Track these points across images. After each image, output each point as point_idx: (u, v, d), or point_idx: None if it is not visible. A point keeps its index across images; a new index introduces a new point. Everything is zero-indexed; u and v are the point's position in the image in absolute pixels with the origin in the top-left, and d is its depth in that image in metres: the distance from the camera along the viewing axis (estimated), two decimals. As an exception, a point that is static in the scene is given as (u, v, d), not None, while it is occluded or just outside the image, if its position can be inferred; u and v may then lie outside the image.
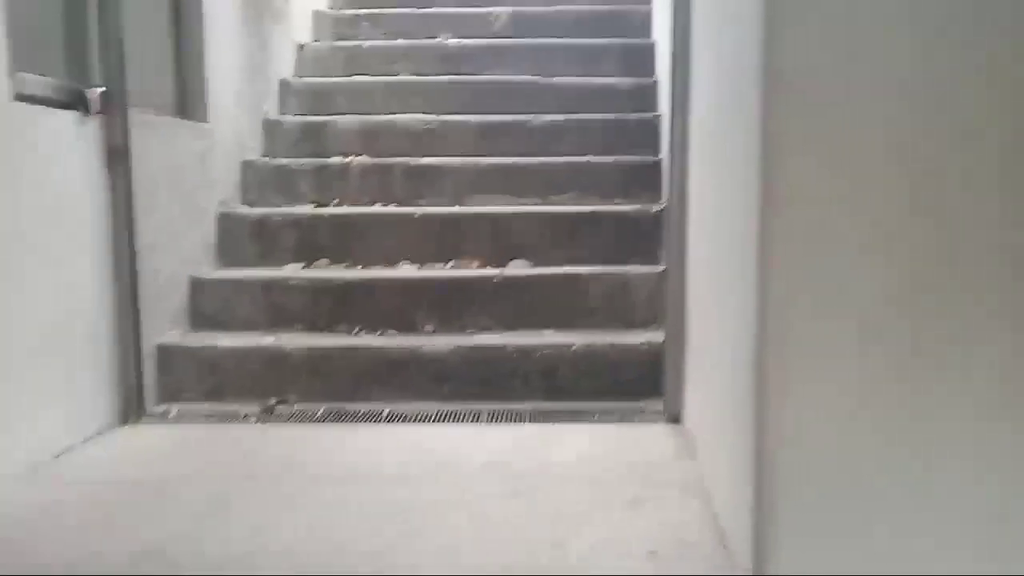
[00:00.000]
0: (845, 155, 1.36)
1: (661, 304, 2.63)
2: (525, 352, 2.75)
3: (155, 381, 2.74)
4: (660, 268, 2.86)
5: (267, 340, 2.85)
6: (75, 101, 2.41)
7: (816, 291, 1.38)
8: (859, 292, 1.37)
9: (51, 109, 2.30)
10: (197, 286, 3.04)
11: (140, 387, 2.61)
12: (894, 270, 1.37)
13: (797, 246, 1.38)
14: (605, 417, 2.53)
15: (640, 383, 2.66)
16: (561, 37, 4.16)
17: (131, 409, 2.57)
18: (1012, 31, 1.34)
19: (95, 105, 2.46)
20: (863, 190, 1.36)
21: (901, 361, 1.37)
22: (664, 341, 2.54)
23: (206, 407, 2.69)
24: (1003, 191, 1.35)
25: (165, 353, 2.78)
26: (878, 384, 1.38)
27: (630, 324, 2.91)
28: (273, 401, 2.69)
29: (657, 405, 2.56)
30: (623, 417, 2.53)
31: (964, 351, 1.37)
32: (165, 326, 2.85)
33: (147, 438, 2.46)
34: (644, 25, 4.17)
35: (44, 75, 2.31)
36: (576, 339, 2.78)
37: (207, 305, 3.04)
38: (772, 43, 1.37)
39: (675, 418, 2.47)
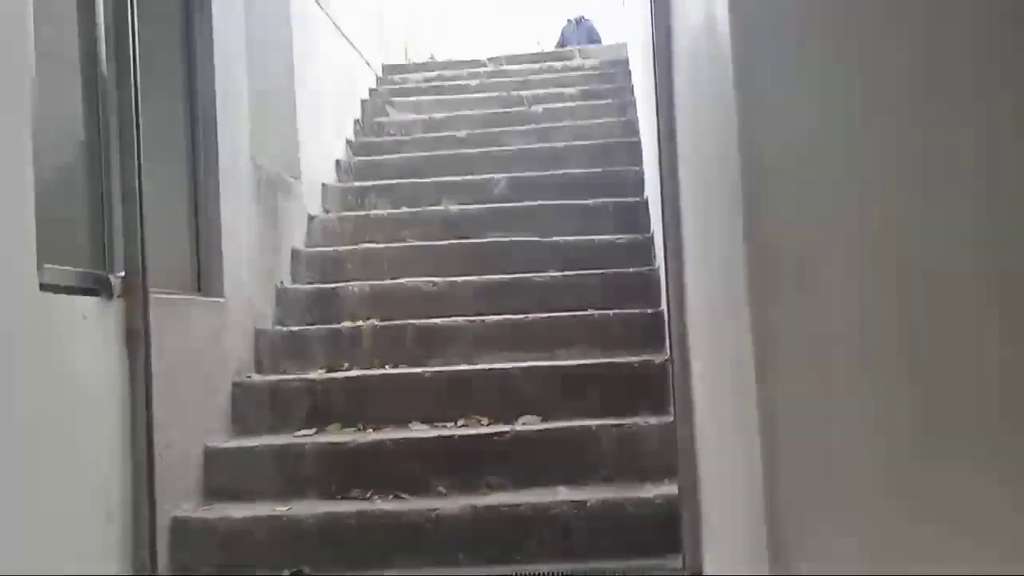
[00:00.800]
0: (836, 328, 1.43)
1: (672, 455, 2.64)
2: (539, 511, 2.74)
3: (168, 555, 2.72)
4: (668, 419, 2.89)
5: (280, 509, 2.85)
6: (97, 286, 2.51)
7: (821, 448, 1.42)
8: (863, 452, 1.41)
9: (74, 296, 2.40)
10: (211, 456, 3.07)
11: (153, 564, 2.58)
12: (893, 434, 1.41)
13: (796, 409, 1.43)
14: (624, 576, 2.50)
15: (658, 538, 2.62)
16: (558, 199, 4.36)
17: (143, 588, 2.54)
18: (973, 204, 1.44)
19: (116, 289, 2.57)
20: (855, 366, 1.42)
21: (912, 514, 1.39)
22: (679, 495, 2.53)
23: (220, 582, 2.66)
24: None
25: (178, 527, 2.78)
26: (891, 538, 1.39)
27: (643, 476, 2.91)
28: (287, 573, 2.66)
29: (676, 562, 2.52)
30: (643, 576, 2.49)
31: (970, 508, 1.39)
32: (179, 498, 2.86)
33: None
34: (637, 184, 4.37)
35: (69, 265, 2.42)
36: (590, 495, 2.78)
37: (221, 474, 3.05)
38: (752, 215, 1.47)
39: (696, 575, 2.43)
